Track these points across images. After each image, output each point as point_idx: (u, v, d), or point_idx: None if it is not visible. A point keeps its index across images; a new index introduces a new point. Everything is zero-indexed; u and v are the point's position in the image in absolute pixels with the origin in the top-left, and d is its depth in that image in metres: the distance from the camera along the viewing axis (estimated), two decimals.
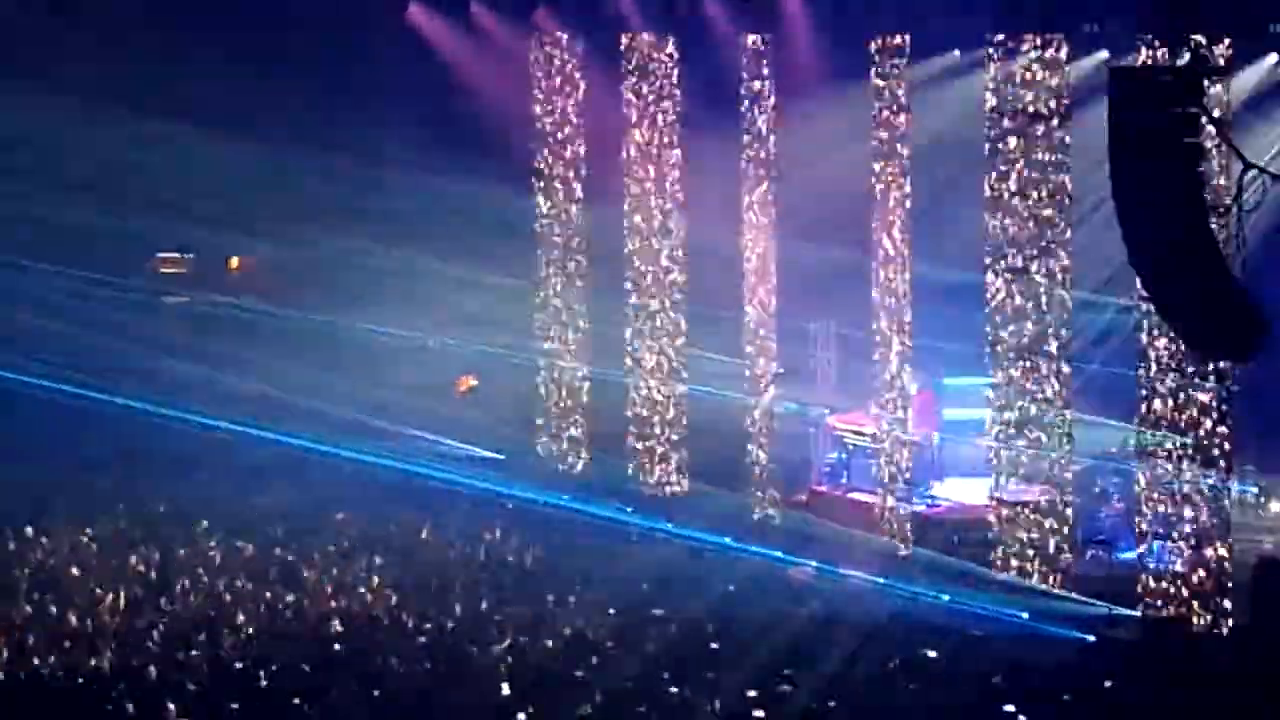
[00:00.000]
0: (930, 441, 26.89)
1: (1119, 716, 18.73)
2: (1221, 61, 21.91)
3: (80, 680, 19.06)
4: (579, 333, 29.41)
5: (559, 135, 29.28)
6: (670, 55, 28.22)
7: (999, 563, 24.30)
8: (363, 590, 22.56)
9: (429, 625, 21.07)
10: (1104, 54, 24.20)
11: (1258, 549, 23.84)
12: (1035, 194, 23.85)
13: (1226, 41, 21.99)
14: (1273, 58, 24.25)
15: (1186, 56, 21.33)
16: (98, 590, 22.05)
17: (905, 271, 25.59)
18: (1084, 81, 23.87)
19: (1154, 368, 22.65)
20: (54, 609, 21.42)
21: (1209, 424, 22.33)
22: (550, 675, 19.23)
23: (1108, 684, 19.43)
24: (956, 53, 26.19)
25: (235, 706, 18.11)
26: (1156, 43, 22.16)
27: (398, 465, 27.65)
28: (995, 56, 24.06)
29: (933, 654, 20.34)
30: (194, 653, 19.94)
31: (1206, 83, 20.73)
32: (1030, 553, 24.06)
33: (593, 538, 25.36)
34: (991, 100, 24.10)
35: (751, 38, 27.22)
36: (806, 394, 28.40)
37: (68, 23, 28.32)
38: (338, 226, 30.01)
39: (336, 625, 21.11)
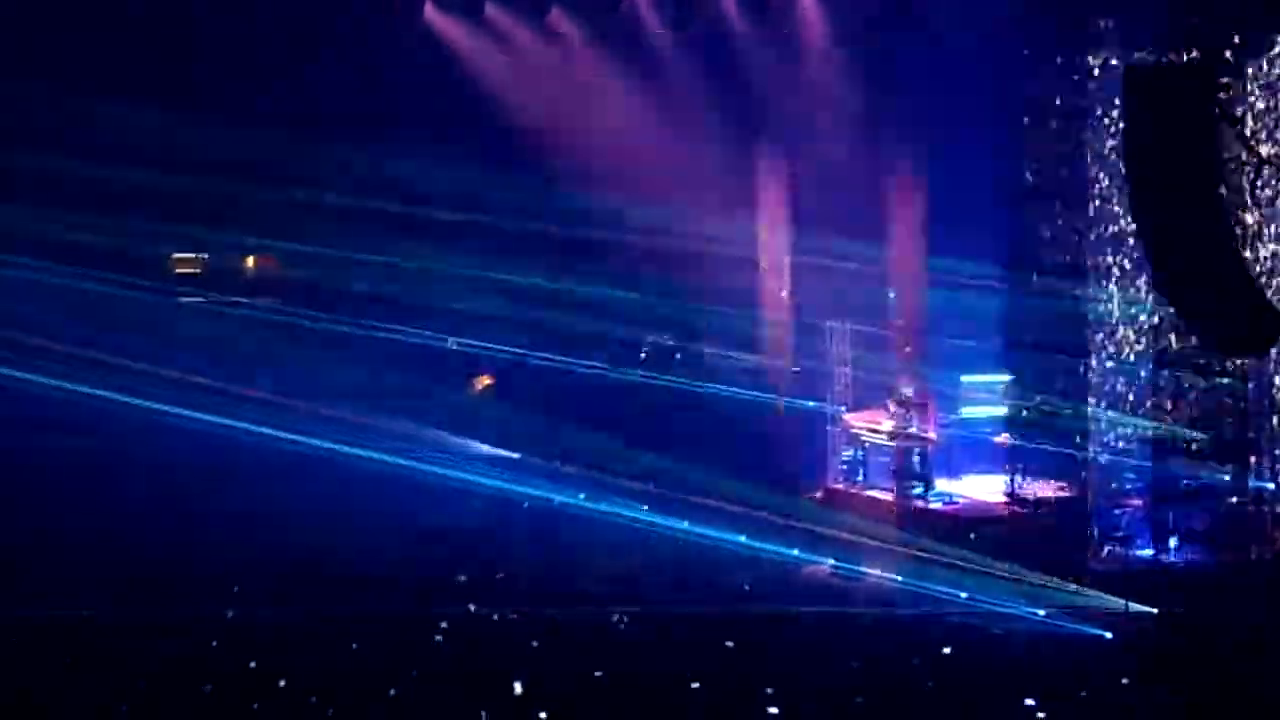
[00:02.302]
0: (945, 439, 26.90)
1: (1136, 714, 18.70)
2: (1237, 57, 21.89)
3: None
4: (599, 332, 29.43)
5: (575, 134, 29.28)
6: (687, 54, 28.24)
7: (1016, 560, 24.26)
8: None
9: (444, 623, 21.11)
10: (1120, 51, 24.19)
11: (1276, 545, 23.78)
12: (1054, 190, 23.86)
13: (1241, 37, 21.97)
14: None
15: (1201, 53, 21.31)
16: None
17: (922, 268, 25.62)
18: (1102, 79, 23.88)
19: (1171, 363, 22.63)
20: None
21: (1226, 419, 22.30)
22: (563, 673, 19.25)
23: (1125, 681, 19.41)
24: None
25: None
26: (1171, 39, 22.12)
27: (414, 465, 27.65)
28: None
29: (950, 651, 20.34)
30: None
31: (1222, 79, 20.73)
32: (1047, 550, 24.03)
33: (608, 536, 25.39)
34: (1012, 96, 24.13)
35: (769, 36, 27.26)
36: (823, 391, 28.41)
37: (78, 17, 28.31)
38: (351, 227, 30.01)
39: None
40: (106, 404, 28.01)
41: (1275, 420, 23.67)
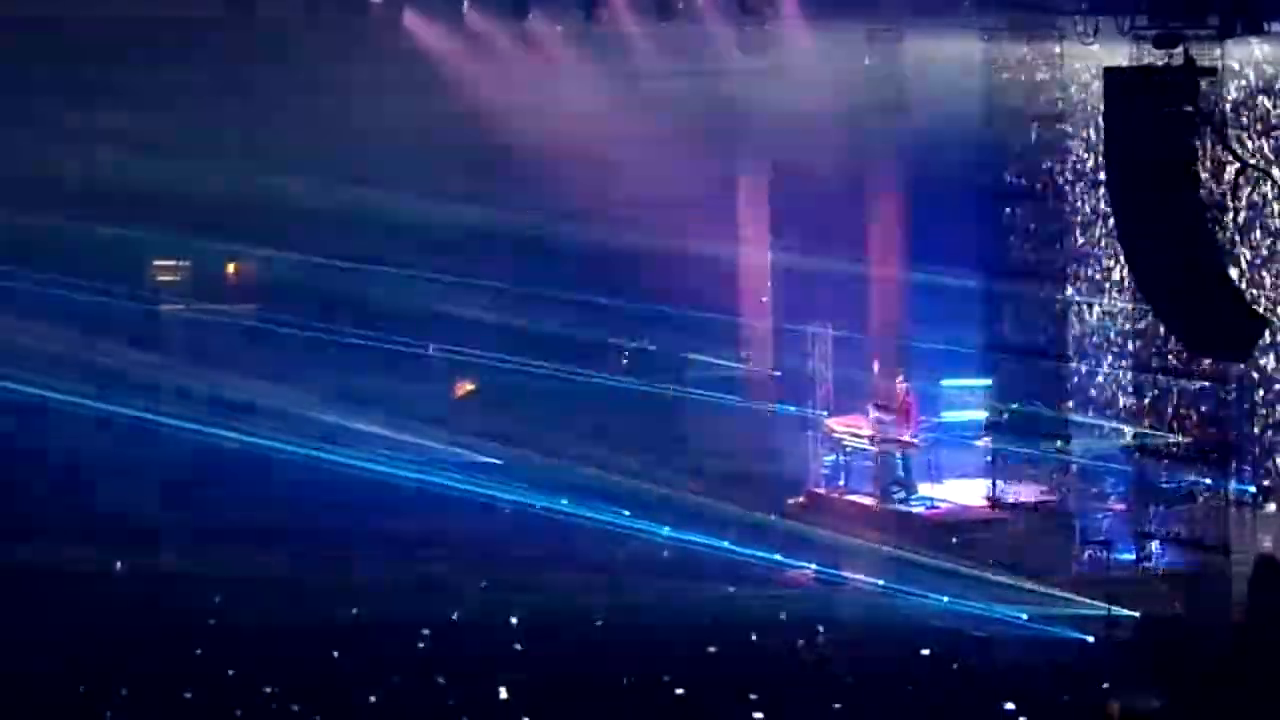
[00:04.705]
0: (926, 443, 26.89)
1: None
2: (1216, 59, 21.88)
3: None
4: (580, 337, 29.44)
5: (554, 139, 29.24)
6: (666, 57, 28.22)
7: (997, 564, 24.27)
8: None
9: (426, 630, 21.07)
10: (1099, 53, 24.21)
11: (1256, 548, 23.80)
12: (1034, 192, 23.88)
13: (1221, 39, 21.97)
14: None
15: (1181, 55, 21.31)
16: None
17: (902, 272, 25.64)
18: (1082, 81, 23.90)
19: (1151, 366, 22.63)
20: None
21: (1206, 423, 22.30)
22: (546, 678, 19.24)
23: (1106, 685, 19.42)
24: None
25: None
26: (1150, 40, 22.12)
27: (398, 471, 27.60)
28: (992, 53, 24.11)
29: (932, 655, 20.34)
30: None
31: (1201, 81, 20.72)
32: (1029, 553, 24.03)
33: (590, 541, 25.38)
34: (991, 98, 24.12)
35: (750, 42, 27.26)
36: (803, 397, 28.40)
37: (58, 26, 28.24)
38: (334, 234, 29.96)
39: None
40: (88, 410, 27.99)
41: (1255, 423, 23.72)
